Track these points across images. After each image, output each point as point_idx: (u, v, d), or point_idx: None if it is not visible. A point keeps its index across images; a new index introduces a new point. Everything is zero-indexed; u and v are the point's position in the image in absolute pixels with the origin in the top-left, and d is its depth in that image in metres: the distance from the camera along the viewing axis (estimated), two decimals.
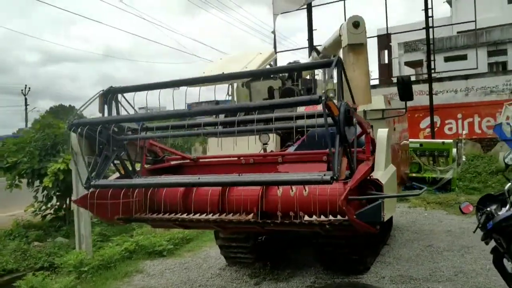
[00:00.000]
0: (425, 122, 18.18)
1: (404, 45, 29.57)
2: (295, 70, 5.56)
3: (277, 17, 15.81)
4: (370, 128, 4.74)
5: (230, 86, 7.33)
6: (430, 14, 14.41)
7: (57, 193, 9.52)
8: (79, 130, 4.23)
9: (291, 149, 5.53)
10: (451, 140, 12.89)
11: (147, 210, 4.86)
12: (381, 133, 5.05)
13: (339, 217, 3.92)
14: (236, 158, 5.28)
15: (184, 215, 4.63)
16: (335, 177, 3.36)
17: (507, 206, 4.27)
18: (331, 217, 3.99)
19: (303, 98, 3.57)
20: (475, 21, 16.21)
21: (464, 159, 13.20)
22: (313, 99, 3.32)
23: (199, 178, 4.05)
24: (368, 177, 4.07)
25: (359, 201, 3.93)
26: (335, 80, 7.32)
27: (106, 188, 4.52)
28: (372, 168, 4.24)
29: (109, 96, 4.46)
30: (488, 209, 4.25)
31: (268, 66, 6.54)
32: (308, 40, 15.57)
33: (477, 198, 10.54)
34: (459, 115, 20.21)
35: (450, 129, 19.95)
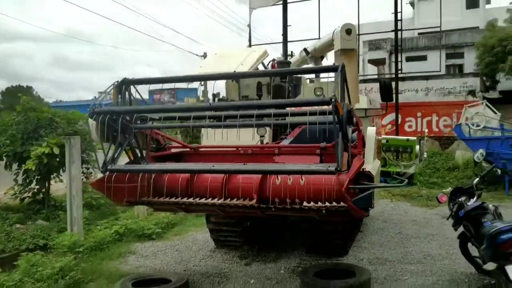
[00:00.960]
0: (386, 119, 19.09)
1: (368, 43, 30.60)
2: (305, 72, 6.04)
3: (253, 11, 16.20)
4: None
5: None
6: (399, 18, 15.22)
7: (37, 177, 9.62)
8: (99, 117, 4.55)
9: (285, 142, 6.02)
10: (415, 138, 13.84)
11: (155, 194, 5.22)
12: (370, 131, 5.61)
13: (334, 203, 4.45)
14: (235, 149, 5.71)
15: (191, 199, 5.03)
16: (338, 169, 3.90)
17: (475, 198, 4.95)
18: (328, 204, 4.51)
19: (316, 99, 4.05)
20: (440, 26, 17.12)
21: (425, 155, 14.21)
22: (325, 100, 3.84)
23: (213, 166, 4.49)
24: (362, 170, 4.62)
25: (354, 190, 4.48)
26: (321, 80, 7.91)
27: (123, 172, 4.90)
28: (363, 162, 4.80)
29: (123, 86, 4.79)
30: (459, 199, 4.90)
31: (260, 64, 6.98)
32: (282, 35, 16.01)
33: (436, 191, 11.58)
34: (419, 114, 21.42)
35: (410, 126, 21.11)
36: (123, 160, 4.87)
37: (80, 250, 6.73)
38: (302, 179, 4.71)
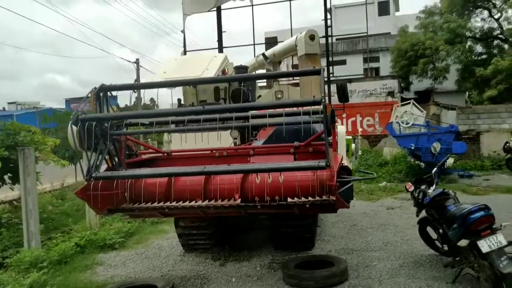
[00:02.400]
0: None
1: None
2: (286, 76, 6.26)
3: (187, 17, 16.23)
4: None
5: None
6: (329, 24, 16.06)
7: None
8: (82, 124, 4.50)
9: (256, 143, 6.24)
10: (350, 136, 14.67)
11: (134, 201, 5.21)
12: (341, 129, 5.99)
13: (323, 197, 4.76)
14: (209, 152, 5.83)
15: (175, 203, 5.08)
16: (328, 164, 4.22)
17: (434, 186, 5.52)
18: (315, 198, 4.81)
19: (307, 100, 4.31)
20: (366, 32, 18.25)
21: (360, 153, 15.12)
22: (316, 100, 4.14)
23: (204, 168, 4.60)
24: (340, 165, 4.98)
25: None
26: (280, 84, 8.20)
27: (108, 179, 4.86)
28: None
29: (102, 93, 4.78)
30: (422, 187, 5.44)
31: (220, 70, 7.12)
32: (218, 41, 16.28)
33: (373, 186, 12.33)
34: (344, 115, 22.64)
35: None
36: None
37: (43, 265, 6.45)
38: (281, 177, 4.96)
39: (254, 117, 5.48)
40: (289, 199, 4.87)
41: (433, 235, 5.94)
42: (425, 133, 12.64)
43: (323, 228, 8.12)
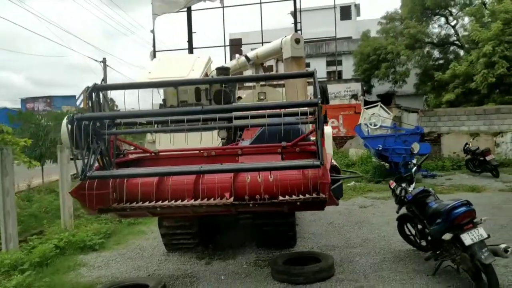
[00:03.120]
0: None
1: None
2: (279, 78, 6.40)
3: (156, 17, 16.17)
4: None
5: None
6: (298, 28, 16.43)
7: None
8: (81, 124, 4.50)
9: (244, 143, 6.36)
10: None
11: (125, 200, 5.23)
12: (328, 130, 6.20)
13: (314, 195, 4.95)
14: (197, 151, 5.89)
15: (167, 202, 5.13)
16: (322, 163, 4.41)
17: (413, 184, 5.83)
18: (306, 195, 4.99)
19: (305, 101, 4.49)
20: (335, 35, 18.70)
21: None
22: (313, 102, 4.33)
23: (201, 167, 4.69)
24: (331, 164, 5.19)
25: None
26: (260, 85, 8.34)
27: (103, 179, 4.87)
28: None
29: (95, 92, 4.79)
30: (402, 185, 5.73)
31: (205, 71, 7.20)
32: (188, 42, 16.34)
33: (344, 186, 12.64)
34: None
35: None
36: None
37: (24, 267, 6.32)
38: (270, 176, 5.12)
39: (238, 118, 5.58)
40: (280, 198, 5.03)
41: (410, 231, 6.26)
42: (392, 134, 13.15)
43: (302, 226, 8.32)
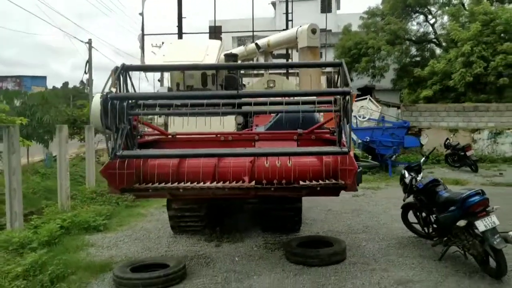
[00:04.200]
0: None
1: (237, 39, 31.94)
2: (308, 66, 6.49)
3: (146, 0, 15.98)
4: None
5: None
6: (290, 18, 16.56)
7: None
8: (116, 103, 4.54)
9: (259, 129, 6.48)
10: None
11: (148, 181, 5.29)
12: None
13: (333, 180, 5.15)
14: (214, 136, 5.99)
15: (189, 184, 5.22)
16: (349, 150, 4.62)
17: (421, 174, 6.11)
18: (327, 181, 5.19)
19: (335, 90, 4.63)
20: (325, 28, 18.92)
21: None
22: (346, 91, 4.50)
23: (232, 150, 4.81)
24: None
25: None
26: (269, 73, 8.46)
27: (134, 158, 4.93)
28: None
29: (123, 72, 4.82)
30: (413, 174, 6.00)
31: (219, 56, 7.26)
32: (177, 26, 16.23)
33: None
34: None
35: None
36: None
37: (33, 246, 6.29)
38: (289, 161, 5.29)
39: (256, 104, 5.66)
40: (301, 182, 5.21)
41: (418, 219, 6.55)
42: (379, 127, 13.52)
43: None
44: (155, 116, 6.99)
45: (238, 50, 9.60)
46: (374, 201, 9.57)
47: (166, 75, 7.85)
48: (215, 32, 28.97)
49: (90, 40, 16.15)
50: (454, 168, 14.87)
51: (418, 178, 6.14)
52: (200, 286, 5.04)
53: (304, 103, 5.33)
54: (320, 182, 5.22)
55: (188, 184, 5.27)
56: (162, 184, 5.27)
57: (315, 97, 5.13)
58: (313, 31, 6.56)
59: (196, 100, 5.29)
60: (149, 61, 11.25)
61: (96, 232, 7.40)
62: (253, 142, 5.95)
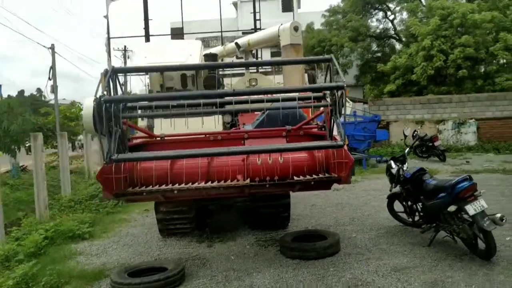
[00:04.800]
0: None
1: (201, 40, 31.72)
2: (297, 63, 6.51)
3: (111, 2, 15.72)
4: None
5: None
6: (257, 17, 16.61)
7: None
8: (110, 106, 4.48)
9: (247, 127, 6.50)
10: None
11: (138, 185, 5.23)
12: None
13: (330, 174, 5.24)
14: (203, 136, 5.96)
15: (183, 185, 5.20)
16: (344, 143, 4.73)
17: (406, 164, 6.31)
18: (322, 175, 5.28)
19: (329, 84, 4.72)
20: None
21: None
22: (340, 85, 4.59)
23: (229, 148, 4.80)
24: None
25: None
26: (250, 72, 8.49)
27: (130, 161, 4.86)
28: None
29: (113, 75, 4.76)
30: (399, 165, 6.19)
31: (202, 55, 7.22)
32: (144, 29, 16.01)
33: None
34: None
35: None
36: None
37: (20, 257, 6.11)
38: (280, 158, 5.36)
39: (240, 102, 5.65)
40: (295, 178, 5.28)
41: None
42: (352, 122, 13.80)
43: None
44: (138, 119, 6.86)
45: (216, 49, 9.58)
46: (354, 194, 9.77)
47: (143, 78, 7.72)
48: (185, 33, 28.72)
49: (53, 45, 15.67)
50: (422, 158, 15.35)
51: (405, 168, 6.34)
52: (201, 287, 5.02)
53: (291, 99, 5.42)
54: (314, 176, 5.32)
55: (183, 185, 5.26)
56: (156, 187, 5.23)
57: (304, 94, 5.21)
58: (296, 28, 6.65)
59: (190, 101, 5.26)
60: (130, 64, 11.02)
61: (81, 241, 7.23)
62: (243, 140, 5.94)
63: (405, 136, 8.07)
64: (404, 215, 6.82)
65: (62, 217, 8.49)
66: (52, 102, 27.42)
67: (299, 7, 39.98)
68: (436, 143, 14.58)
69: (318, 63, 5.94)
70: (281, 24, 6.89)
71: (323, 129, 5.94)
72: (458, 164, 13.95)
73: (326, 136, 5.79)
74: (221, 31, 17.04)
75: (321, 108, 5.68)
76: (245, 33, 32.99)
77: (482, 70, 22.62)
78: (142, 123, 7.43)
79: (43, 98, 47.18)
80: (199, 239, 6.89)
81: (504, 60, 21.45)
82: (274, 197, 6.86)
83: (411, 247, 5.92)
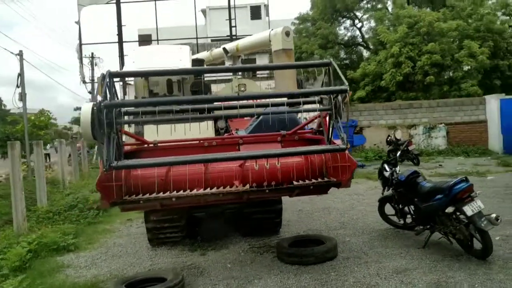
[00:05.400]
0: None
1: None
2: (297, 67, 6.45)
3: (82, 8, 15.37)
4: None
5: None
6: (233, 24, 16.63)
7: None
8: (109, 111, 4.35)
9: (240, 133, 6.43)
10: None
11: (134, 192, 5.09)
12: None
13: (330, 178, 5.25)
14: (197, 142, 5.86)
15: (183, 192, 5.10)
16: (347, 147, 4.76)
17: (398, 167, 6.40)
18: (321, 179, 5.28)
19: (334, 88, 4.71)
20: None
21: None
22: (343, 89, 4.61)
23: (234, 153, 4.73)
24: None
25: None
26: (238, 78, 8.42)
27: (129, 168, 4.71)
28: None
29: (109, 79, 4.63)
30: (392, 168, 6.26)
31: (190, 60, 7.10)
32: (118, 35, 15.71)
33: None
34: None
35: None
36: None
37: (4, 272, 5.81)
38: (278, 162, 5.35)
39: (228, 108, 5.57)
40: (295, 182, 5.28)
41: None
42: None
43: None
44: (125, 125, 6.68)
45: (202, 55, 9.46)
46: (338, 198, 9.82)
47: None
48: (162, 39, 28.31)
49: (21, 52, 15.11)
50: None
51: (398, 171, 6.43)
52: None
53: (283, 104, 5.42)
54: (314, 181, 5.32)
55: (181, 192, 5.15)
56: (154, 195, 5.10)
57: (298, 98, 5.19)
58: (287, 33, 6.66)
59: (179, 107, 5.14)
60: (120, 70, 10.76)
61: (67, 253, 6.95)
62: (237, 146, 5.86)
63: (397, 140, 8.14)
64: (394, 218, 6.90)
65: (42, 229, 8.14)
66: (15, 111, 26.52)
67: (267, 15, 40.32)
68: (410, 148, 14.88)
69: (317, 67, 5.92)
70: (272, 29, 6.89)
71: (317, 133, 5.96)
72: (433, 168, 14.27)
73: (322, 141, 5.82)
74: (197, 38, 16.82)
75: (317, 112, 5.71)
76: (214, 40, 33.24)
77: (448, 76, 23.34)
78: (128, 129, 7.26)
79: (2, 107, 45.53)
80: (191, 248, 6.74)
81: (469, 67, 22.22)
82: (267, 203, 6.81)
83: (407, 249, 5.98)
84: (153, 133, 6.41)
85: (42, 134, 16.19)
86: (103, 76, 4.54)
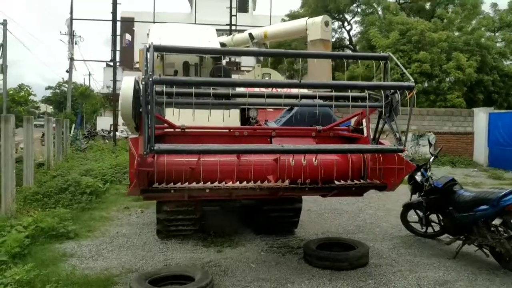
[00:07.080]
0: None
1: None
2: (353, 58, 6.02)
3: None
4: None
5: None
6: (234, 13, 16.12)
7: None
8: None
9: (272, 124, 6.02)
10: None
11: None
12: None
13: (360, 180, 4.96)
14: (227, 130, 5.42)
15: (220, 184, 4.71)
16: (402, 148, 4.46)
17: (430, 172, 6.14)
18: (362, 181, 4.98)
19: (401, 84, 4.37)
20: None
21: None
22: (410, 86, 4.30)
23: (283, 146, 4.30)
24: None
25: None
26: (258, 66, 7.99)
27: (174, 153, 4.28)
28: None
29: (152, 53, 4.17)
30: (426, 174, 5.99)
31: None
32: (112, 13, 14.96)
33: None
34: None
35: None
36: None
37: (4, 259, 5.20)
38: (315, 160, 4.99)
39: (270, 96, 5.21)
40: (336, 182, 4.96)
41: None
42: None
43: None
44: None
45: (222, 39, 8.94)
46: (344, 200, 9.53)
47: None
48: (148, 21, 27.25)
49: (5, 21, 14.04)
50: None
51: (434, 177, 6.17)
52: None
53: (320, 98, 5.07)
54: (356, 182, 5.00)
55: (216, 184, 4.73)
56: (186, 184, 4.66)
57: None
58: (326, 23, 6.31)
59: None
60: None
61: (66, 240, 6.36)
62: (269, 138, 5.47)
63: (430, 144, 7.89)
64: (416, 225, 6.67)
65: (34, 212, 7.48)
66: None
67: (254, 9, 39.91)
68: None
69: (375, 60, 5.58)
70: (308, 18, 6.51)
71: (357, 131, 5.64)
72: None
73: (360, 139, 5.51)
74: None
75: (361, 109, 5.40)
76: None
77: (434, 86, 23.56)
78: None
79: None
80: (204, 243, 6.29)
81: (454, 78, 22.46)
82: (287, 200, 6.45)
83: (437, 259, 5.72)
84: (174, 117, 5.92)
85: (21, 110, 15.23)
86: (147, 48, 4.05)
